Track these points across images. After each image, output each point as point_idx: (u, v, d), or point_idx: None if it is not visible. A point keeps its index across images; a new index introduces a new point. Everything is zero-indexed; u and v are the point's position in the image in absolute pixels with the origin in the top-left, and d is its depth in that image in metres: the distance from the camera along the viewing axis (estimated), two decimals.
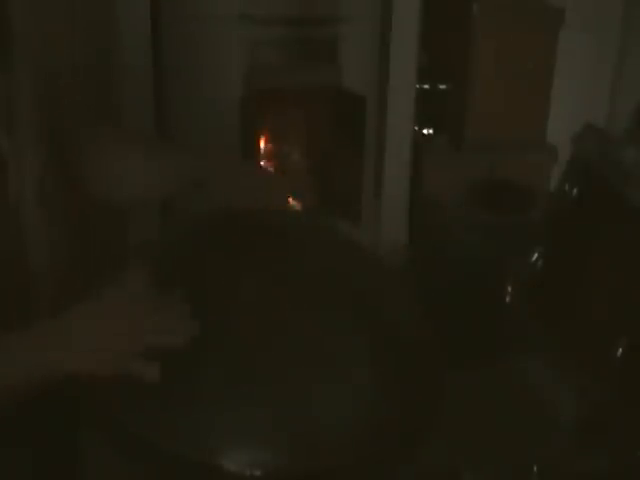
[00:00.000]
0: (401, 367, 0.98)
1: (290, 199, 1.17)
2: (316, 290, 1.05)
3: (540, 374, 1.28)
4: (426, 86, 2.64)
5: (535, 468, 1.10)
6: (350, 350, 0.98)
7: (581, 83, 2.76)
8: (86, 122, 1.14)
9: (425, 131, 2.70)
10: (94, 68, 2.10)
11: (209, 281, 1.00)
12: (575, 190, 1.19)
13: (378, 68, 2.51)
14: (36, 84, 0.96)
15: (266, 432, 0.87)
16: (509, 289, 1.34)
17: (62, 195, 1.06)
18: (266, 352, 0.93)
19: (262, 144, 2.58)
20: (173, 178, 1.14)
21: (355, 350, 0.98)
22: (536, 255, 1.25)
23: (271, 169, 2.54)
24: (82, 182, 1.11)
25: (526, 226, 1.67)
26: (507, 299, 1.35)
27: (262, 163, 2.56)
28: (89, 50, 2.06)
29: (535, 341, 1.28)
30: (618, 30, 2.73)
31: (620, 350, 1.07)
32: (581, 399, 1.16)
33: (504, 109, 2.57)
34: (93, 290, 0.92)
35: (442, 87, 2.68)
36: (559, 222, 1.25)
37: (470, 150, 2.63)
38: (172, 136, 2.38)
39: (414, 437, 0.93)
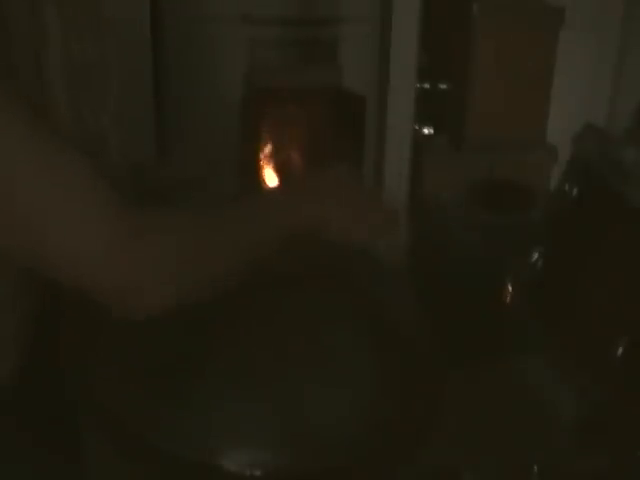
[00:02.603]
0: (401, 367, 0.98)
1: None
2: (316, 290, 1.05)
3: (540, 374, 1.28)
4: (426, 86, 2.64)
5: (535, 468, 1.10)
6: (350, 350, 0.98)
7: (581, 83, 2.76)
8: None
9: (425, 131, 2.70)
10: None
11: None
12: (575, 190, 1.19)
13: (378, 68, 2.51)
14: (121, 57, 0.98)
15: (266, 432, 0.87)
16: (509, 289, 1.34)
17: None
18: (266, 352, 0.94)
19: (262, 144, 2.58)
20: None
21: (355, 350, 0.98)
22: (536, 255, 1.25)
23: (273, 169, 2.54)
24: None
25: (526, 226, 1.67)
26: (507, 299, 1.35)
27: (263, 163, 2.56)
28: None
29: (535, 341, 1.28)
30: (618, 30, 2.73)
31: (620, 350, 1.07)
32: (581, 399, 1.16)
33: (504, 109, 2.57)
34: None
35: (442, 87, 2.68)
36: (559, 222, 1.25)
37: (470, 150, 2.63)
38: (172, 136, 2.38)
39: (414, 437, 0.93)
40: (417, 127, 2.63)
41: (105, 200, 0.77)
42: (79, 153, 0.77)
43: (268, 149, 2.58)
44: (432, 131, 2.70)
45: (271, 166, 2.58)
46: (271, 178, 2.58)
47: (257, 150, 2.55)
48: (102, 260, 0.76)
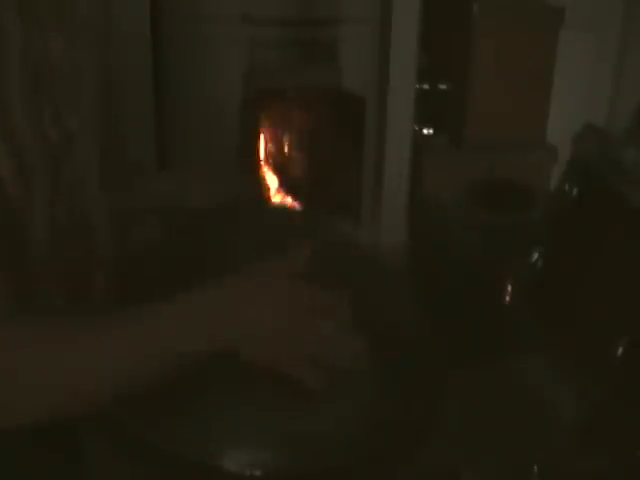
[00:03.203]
0: (401, 367, 0.98)
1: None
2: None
3: (540, 374, 1.28)
4: (426, 86, 2.64)
5: (535, 468, 1.10)
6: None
7: (581, 83, 2.77)
8: None
9: (425, 131, 2.70)
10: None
11: (208, 278, 1.00)
12: (575, 190, 1.19)
13: (378, 68, 2.51)
14: (97, 58, 0.94)
15: (266, 432, 0.87)
16: (509, 289, 1.34)
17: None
18: None
19: (262, 144, 2.58)
20: None
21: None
22: (536, 255, 1.25)
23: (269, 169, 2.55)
24: None
25: (526, 226, 1.67)
26: (507, 299, 1.35)
27: (262, 163, 2.56)
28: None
29: (535, 341, 1.28)
30: (618, 30, 2.74)
31: (620, 350, 1.07)
32: (581, 399, 1.16)
33: (504, 109, 2.57)
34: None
35: (442, 87, 2.69)
36: (559, 222, 1.25)
37: (470, 150, 2.63)
38: (172, 136, 2.38)
39: (414, 437, 0.93)
40: (417, 127, 2.64)
41: None
42: None
43: (268, 149, 2.58)
44: (432, 131, 2.71)
45: (271, 166, 2.58)
46: (271, 178, 2.58)
47: (257, 150, 2.56)
48: None
